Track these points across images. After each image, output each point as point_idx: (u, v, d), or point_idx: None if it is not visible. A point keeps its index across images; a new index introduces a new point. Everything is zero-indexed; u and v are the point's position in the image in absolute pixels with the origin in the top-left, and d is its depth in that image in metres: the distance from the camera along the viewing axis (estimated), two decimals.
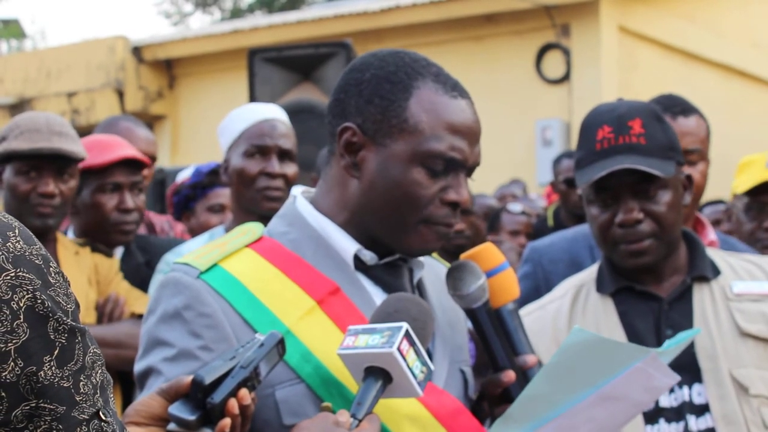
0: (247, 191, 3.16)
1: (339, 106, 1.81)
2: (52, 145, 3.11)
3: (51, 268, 1.14)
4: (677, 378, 1.76)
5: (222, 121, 3.30)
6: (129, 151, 3.47)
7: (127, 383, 3.27)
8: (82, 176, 3.40)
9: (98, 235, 3.47)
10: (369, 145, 1.76)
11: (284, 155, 3.18)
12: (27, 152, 3.10)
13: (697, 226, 3.05)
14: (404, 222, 1.76)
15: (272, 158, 3.15)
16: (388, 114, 1.75)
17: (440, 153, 1.73)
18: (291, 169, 3.19)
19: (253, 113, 3.24)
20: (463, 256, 1.88)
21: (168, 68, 14.35)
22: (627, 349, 1.71)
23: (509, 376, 1.80)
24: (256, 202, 3.14)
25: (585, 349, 1.67)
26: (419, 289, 1.89)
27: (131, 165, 3.45)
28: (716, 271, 2.41)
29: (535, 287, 2.83)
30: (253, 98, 6.04)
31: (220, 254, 1.76)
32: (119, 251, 3.57)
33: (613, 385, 1.71)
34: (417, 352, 1.56)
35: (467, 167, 1.79)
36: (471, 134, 1.77)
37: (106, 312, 3.23)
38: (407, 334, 1.55)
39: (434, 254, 2.03)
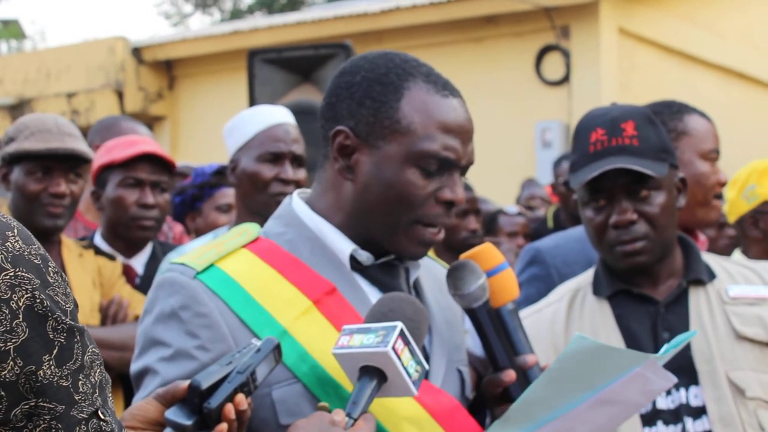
0: (259, 195, 3.16)
1: (331, 110, 1.81)
2: (66, 145, 3.13)
3: (50, 268, 1.15)
4: (674, 380, 1.76)
5: (230, 121, 3.29)
6: (152, 147, 3.49)
7: (130, 386, 3.27)
8: (107, 171, 3.44)
9: (121, 231, 3.49)
10: (362, 147, 1.76)
11: (296, 161, 3.20)
12: (42, 152, 3.12)
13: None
14: (398, 223, 1.76)
15: (286, 164, 3.16)
16: (380, 116, 1.75)
17: (434, 153, 1.74)
18: (302, 174, 3.21)
19: (266, 116, 3.24)
20: (463, 256, 1.88)
21: (168, 69, 14.35)
22: (627, 355, 1.72)
23: (510, 375, 1.80)
24: (267, 207, 3.13)
25: (585, 355, 1.68)
26: (416, 288, 1.89)
27: (156, 163, 3.48)
28: (712, 275, 2.42)
29: (549, 289, 2.75)
30: (252, 99, 6.03)
31: (216, 255, 1.76)
32: (144, 256, 3.59)
33: (612, 389, 1.72)
34: (412, 352, 1.57)
35: (461, 166, 1.79)
36: (464, 133, 1.77)
37: (110, 314, 3.24)
38: (402, 334, 1.56)
39: (432, 255, 2.03)
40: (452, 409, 1.77)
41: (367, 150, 1.76)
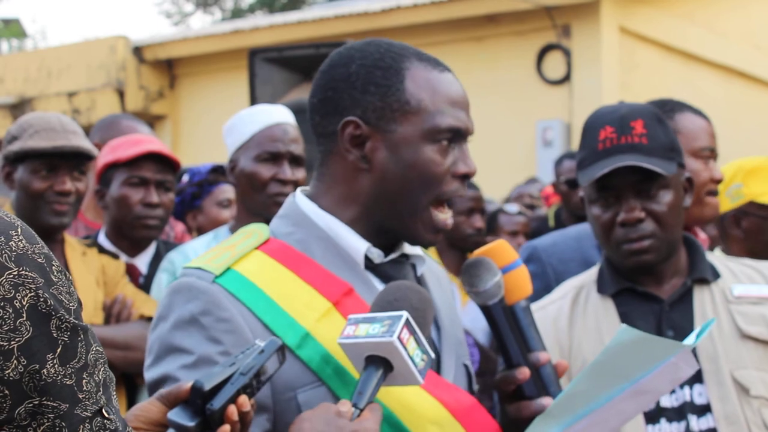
0: (257, 196, 3.16)
1: (329, 103, 1.79)
2: (71, 143, 3.13)
3: (53, 267, 1.15)
4: (697, 366, 1.77)
5: (230, 121, 3.29)
6: (157, 146, 3.49)
7: (132, 385, 3.27)
8: (112, 170, 3.44)
9: (125, 230, 3.49)
10: (375, 134, 1.75)
11: (295, 161, 3.20)
12: (49, 150, 3.12)
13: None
14: (417, 204, 1.76)
15: (284, 164, 3.16)
16: (387, 99, 1.75)
17: (448, 127, 1.75)
18: (301, 174, 3.21)
19: (265, 116, 3.24)
20: (477, 252, 1.87)
21: (169, 68, 14.35)
22: (664, 344, 1.73)
23: (523, 373, 1.79)
24: (266, 207, 3.14)
25: (628, 346, 1.70)
26: (421, 283, 1.89)
27: (160, 162, 3.48)
28: (716, 275, 2.43)
29: (545, 287, 2.79)
30: (253, 98, 6.04)
31: (232, 257, 1.73)
32: (147, 255, 3.59)
33: (648, 380, 1.73)
34: (417, 341, 1.56)
35: (467, 137, 1.81)
36: (465, 104, 1.81)
37: (113, 313, 3.24)
38: (407, 323, 1.55)
39: (431, 253, 2.03)
40: (470, 407, 1.77)
41: (381, 136, 1.75)
